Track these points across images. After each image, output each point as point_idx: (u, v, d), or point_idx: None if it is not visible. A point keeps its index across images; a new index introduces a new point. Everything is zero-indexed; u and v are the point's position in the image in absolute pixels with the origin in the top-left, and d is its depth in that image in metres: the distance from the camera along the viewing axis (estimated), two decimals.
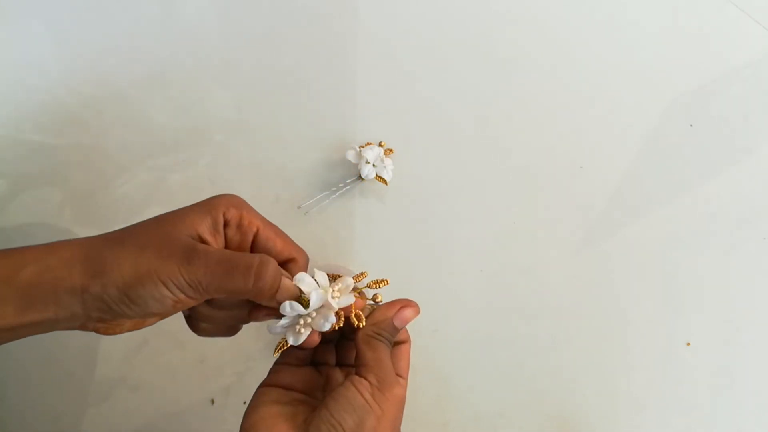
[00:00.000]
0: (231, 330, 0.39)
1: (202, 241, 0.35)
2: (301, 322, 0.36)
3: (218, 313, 0.37)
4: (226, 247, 0.36)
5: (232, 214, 0.36)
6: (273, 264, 0.34)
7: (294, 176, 0.54)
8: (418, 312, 0.40)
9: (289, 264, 0.38)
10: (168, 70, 0.57)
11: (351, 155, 0.52)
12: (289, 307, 0.35)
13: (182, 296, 0.33)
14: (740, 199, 0.55)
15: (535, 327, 0.50)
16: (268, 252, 0.37)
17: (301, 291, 0.36)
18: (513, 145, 0.56)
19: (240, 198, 0.37)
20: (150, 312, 0.33)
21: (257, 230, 0.37)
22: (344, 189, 0.53)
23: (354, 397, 0.34)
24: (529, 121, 0.57)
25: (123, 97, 0.56)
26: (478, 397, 0.48)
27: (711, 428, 0.48)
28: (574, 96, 0.58)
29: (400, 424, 0.36)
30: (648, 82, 0.59)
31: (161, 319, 0.36)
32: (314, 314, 0.37)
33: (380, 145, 0.54)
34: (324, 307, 0.37)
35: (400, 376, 0.38)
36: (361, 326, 0.38)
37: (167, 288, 0.32)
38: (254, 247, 0.37)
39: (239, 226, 0.37)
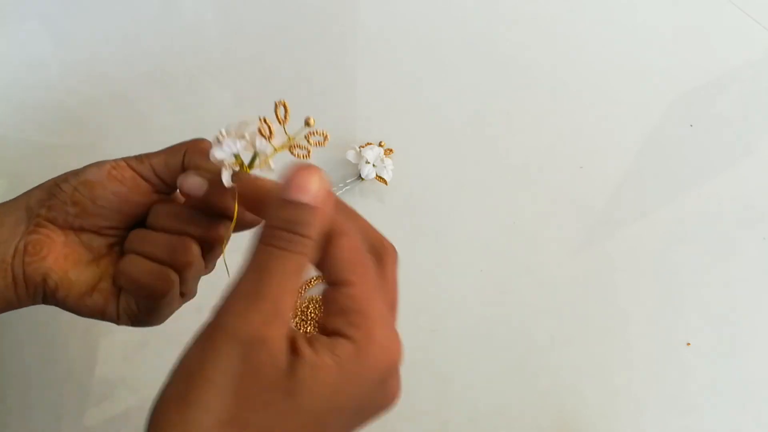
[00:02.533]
0: (159, 297, 0.32)
1: None
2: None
3: (157, 236, 0.32)
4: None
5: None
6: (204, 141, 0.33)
7: None
8: (316, 172, 0.26)
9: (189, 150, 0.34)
10: (168, 70, 0.57)
11: (351, 155, 0.52)
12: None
13: (122, 163, 0.33)
14: (740, 199, 0.55)
15: (535, 327, 0.50)
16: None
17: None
18: (513, 144, 0.56)
19: None
20: (84, 179, 0.32)
21: (150, 161, 0.35)
22: (344, 189, 0.53)
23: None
24: (528, 121, 0.57)
25: (123, 97, 0.56)
26: (478, 396, 0.48)
27: (711, 428, 0.48)
28: (574, 96, 0.58)
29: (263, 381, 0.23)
30: (648, 82, 0.59)
31: (93, 209, 0.33)
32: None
33: (380, 145, 0.54)
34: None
35: (337, 282, 0.25)
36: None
37: (116, 159, 0.33)
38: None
39: (140, 162, 0.35)
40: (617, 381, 0.49)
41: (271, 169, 0.31)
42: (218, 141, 0.31)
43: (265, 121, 0.31)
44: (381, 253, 0.30)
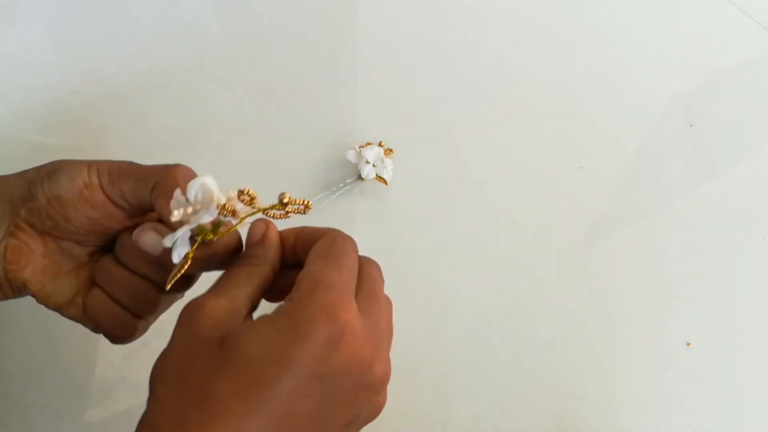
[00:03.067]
0: (130, 320, 0.33)
1: None
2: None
3: (121, 275, 0.32)
4: None
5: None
6: (186, 169, 0.32)
7: (294, 176, 0.54)
8: (262, 225, 0.31)
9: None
10: (168, 70, 0.57)
11: (351, 155, 0.52)
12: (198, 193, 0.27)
13: (95, 180, 0.31)
14: (740, 199, 0.55)
15: (535, 327, 0.50)
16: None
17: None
18: (513, 144, 0.56)
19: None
20: (57, 192, 0.31)
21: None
22: (344, 189, 0.53)
23: None
24: (529, 120, 0.57)
25: (123, 97, 0.56)
26: (478, 397, 0.48)
27: (711, 428, 0.48)
28: (574, 96, 0.58)
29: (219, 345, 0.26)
30: (648, 81, 0.59)
31: (64, 224, 0.32)
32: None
33: (380, 145, 0.54)
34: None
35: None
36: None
37: (87, 167, 0.31)
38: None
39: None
40: (617, 381, 0.49)
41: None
42: (178, 206, 0.28)
43: (225, 206, 0.28)
44: (361, 262, 0.32)
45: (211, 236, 0.30)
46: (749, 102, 0.58)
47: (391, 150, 0.54)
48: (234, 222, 0.30)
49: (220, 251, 0.31)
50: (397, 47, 0.59)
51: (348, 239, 0.31)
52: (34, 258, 0.32)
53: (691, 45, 0.60)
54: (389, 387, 0.46)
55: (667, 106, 0.58)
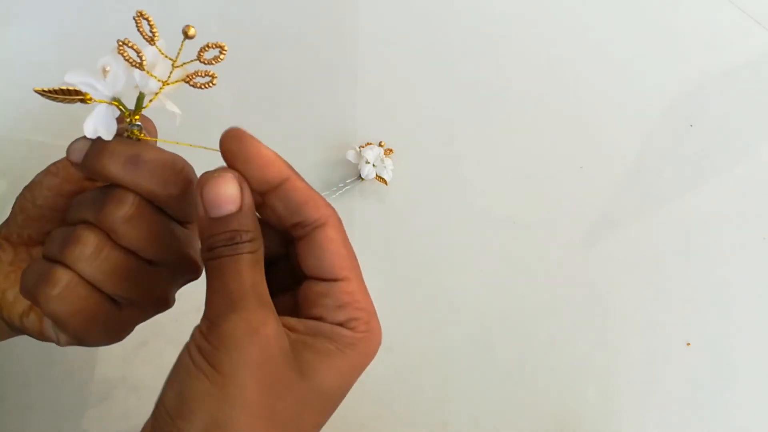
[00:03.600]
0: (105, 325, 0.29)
1: None
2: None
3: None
4: None
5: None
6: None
7: None
8: (230, 177, 0.25)
9: None
10: None
11: (351, 155, 0.52)
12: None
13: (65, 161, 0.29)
14: (740, 199, 0.55)
15: (535, 327, 0.50)
16: None
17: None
18: (513, 144, 0.56)
19: None
20: (31, 183, 0.30)
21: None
22: (344, 189, 0.53)
23: (179, 359, 0.25)
24: (529, 120, 0.57)
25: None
26: (478, 397, 0.48)
27: (711, 428, 0.48)
28: (574, 96, 0.58)
29: (288, 364, 0.24)
30: (648, 81, 0.59)
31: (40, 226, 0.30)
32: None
33: (380, 145, 0.54)
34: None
35: (332, 279, 0.26)
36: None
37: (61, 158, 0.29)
38: None
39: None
40: (617, 381, 0.49)
41: (172, 110, 0.24)
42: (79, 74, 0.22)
43: (125, 43, 0.22)
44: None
45: (133, 118, 0.24)
46: (749, 102, 0.58)
47: (391, 150, 0.54)
48: (153, 87, 0.23)
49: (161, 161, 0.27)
50: (397, 47, 0.59)
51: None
52: (1, 267, 0.31)
53: (691, 45, 0.60)
54: (389, 387, 0.46)
55: (667, 106, 0.58)
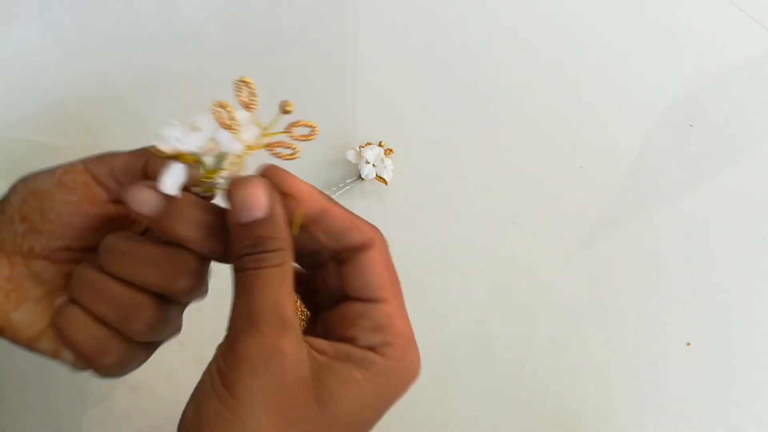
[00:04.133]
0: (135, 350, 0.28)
1: None
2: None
3: (107, 284, 0.26)
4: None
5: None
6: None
7: None
8: (258, 182, 0.24)
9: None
10: (168, 70, 0.57)
11: (351, 155, 0.52)
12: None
13: (80, 166, 0.27)
14: (740, 199, 0.55)
15: (535, 327, 0.50)
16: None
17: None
18: (513, 144, 0.56)
19: None
20: (32, 188, 0.27)
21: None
22: (344, 189, 0.53)
23: (203, 375, 0.24)
24: (528, 120, 0.57)
25: (123, 97, 0.56)
26: (478, 397, 0.48)
27: (711, 428, 0.48)
28: (574, 96, 0.58)
29: (308, 391, 0.23)
30: (648, 81, 0.59)
31: (41, 224, 0.27)
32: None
33: (380, 145, 0.54)
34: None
35: (371, 299, 0.25)
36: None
37: (70, 162, 0.26)
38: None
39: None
40: (617, 381, 0.49)
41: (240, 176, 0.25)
42: (166, 133, 0.23)
43: (222, 106, 0.23)
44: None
45: (209, 175, 0.24)
46: (749, 102, 0.58)
47: (391, 150, 0.54)
48: (236, 150, 0.24)
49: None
50: (397, 47, 0.59)
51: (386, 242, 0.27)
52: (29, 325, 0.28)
53: (691, 45, 0.60)
54: None
55: (667, 106, 0.58)
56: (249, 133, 0.24)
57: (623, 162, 0.56)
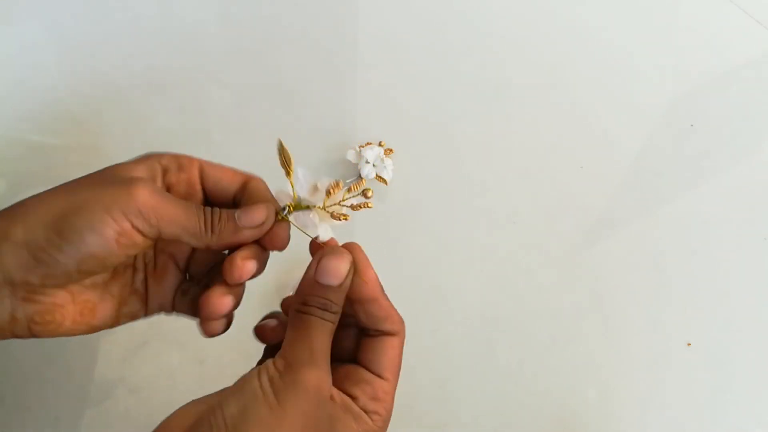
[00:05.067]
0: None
1: None
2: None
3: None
4: (175, 192, 0.33)
5: (168, 159, 0.32)
6: (216, 208, 0.31)
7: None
8: (347, 259, 0.31)
9: (246, 186, 0.34)
10: (168, 70, 0.57)
11: (351, 155, 0.52)
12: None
13: (127, 225, 0.28)
14: (741, 199, 0.55)
15: (535, 327, 0.50)
16: (219, 181, 0.34)
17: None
18: (513, 144, 0.56)
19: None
20: (87, 252, 0.28)
21: (200, 165, 0.33)
22: (344, 189, 0.53)
23: (249, 381, 0.27)
24: (529, 120, 0.57)
25: (123, 97, 0.56)
26: (478, 397, 0.48)
27: (711, 428, 0.48)
28: (575, 96, 0.58)
29: (327, 425, 0.28)
30: (648, 81, 0.59)
31: (103, 270, 0.30)
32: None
33: (380, 145, 0.54)
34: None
35: (378, 374, 0.31)
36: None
37: (109, 213, 0.27)
38: (204, 182, 0.34)
39: (180, 167, 0.33)
40: (617, 381, 0.49)
41: (315, 228, 0.33)
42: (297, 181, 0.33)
43: (337, 184, 0.33)
44: None
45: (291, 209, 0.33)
46: (750, 102, 0.58)
47: (391, 150, 0.54)
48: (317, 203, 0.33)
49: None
50: (397, 47, 0.59)
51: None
52: (66, 311, 0.30)
53: (692, 44, 0.60)
54: None
55: (668, 105, 0.58)
56: (330, 200, 0.33)
57: (623, 162, 0.56)
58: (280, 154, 0.34)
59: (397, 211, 0.53)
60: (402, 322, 0.32)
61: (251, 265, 0.32)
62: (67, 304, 0.30)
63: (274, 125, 0.56)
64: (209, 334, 0.33)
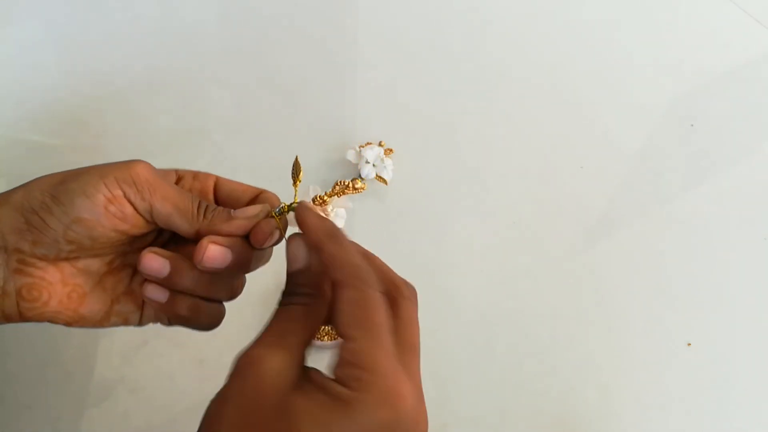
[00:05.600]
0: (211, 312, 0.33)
1: None
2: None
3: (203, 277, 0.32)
4: None
5: (185, 172, 0.34)
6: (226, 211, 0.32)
7: None
8: (298, 243, 0.30)
9: (259, 197, 0.34)
10: (168, 69, 0.57)
11: (351, 155, 0.52)
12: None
13: (119, 192, 0.29)
14: (740, 199, 0.55)
15: (535, 327, 0.50)
16: (232, 192, 0.34)
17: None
18: (513, 144, 0.56)
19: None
20: (75, 216, 0.28)
21: (217, 178, 0.34)
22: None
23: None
24: (529, 120, 0.57)
25: (123, 97, 0.56)
26: (478, 397, 0.48)
27: (711, 428, 0.48)
28: (575, 96, 0.58)
29: (274, 399, 0.26)
30: (648, 81, 0.59)
31: (91, 244, 0.30)
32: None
33: (380, 145, 0.54)
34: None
35: (344, 336, 0.27)
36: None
37: (103, 179, 0.28)
38: (217, 192, 0.34)
39: (195, 177, 0.34)
40: (617, 381, 0.49)
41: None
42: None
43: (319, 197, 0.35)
44: (394, 295, 0.30)
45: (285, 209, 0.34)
46: (749, 102, 0.58)
47: (391, 150, 0.54)
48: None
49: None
50: (397, 47, 0.59)
51: (376, 292, 0.29)
52: (54, 290, 0.30)
53: (692, 44, 0.60)
54: None
55: (668, 105, 0.58)
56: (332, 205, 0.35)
57: (624, 162, 0.56)
58: (294, 167, 0.35)
59: (397, 211, 0.53)
60: (355, 273, 0.28)
61: (216, 251, 0.30)
62: (56, 282, 0.30)
63: (274, 125, 0.56)
64: (147, 295, 0.31)
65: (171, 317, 0.33)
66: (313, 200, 0.35)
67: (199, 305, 0.32)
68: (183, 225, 0.31)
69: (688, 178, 0.56)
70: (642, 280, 0.52)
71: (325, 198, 0.35)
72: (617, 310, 0.51)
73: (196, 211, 0.31)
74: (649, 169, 0.56)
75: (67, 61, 0.57)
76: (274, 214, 0.33)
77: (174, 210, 0.30)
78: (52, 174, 0.30)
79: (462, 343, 0.50)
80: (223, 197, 0.34)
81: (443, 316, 0.50)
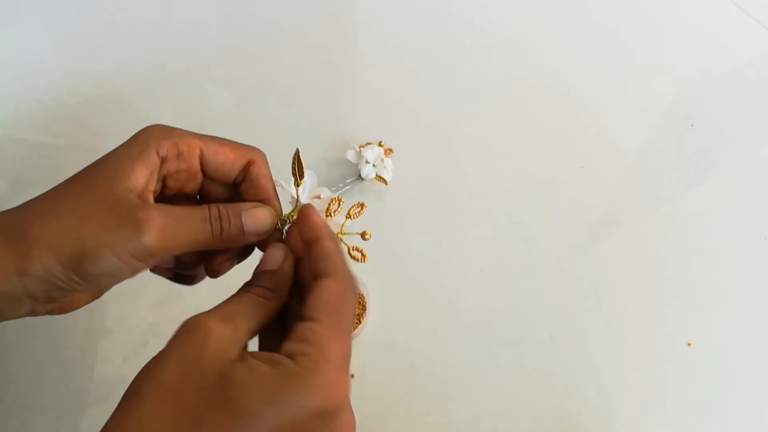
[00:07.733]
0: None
1: (145, 191, 0.32)
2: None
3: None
4: (174, 183, 0.34)
5: (167, 148, 0.33)
6: (224, 208, 0.32)
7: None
8: (281, 248, 0.32)
9: (248, 168, 0.35)
10: (168, 69, 0.57)
11: (351, 155, 0.52)
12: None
13: (140, 264, 0.30)
14: (740, 199, 0.55)
15: (535, 327, 0.50)
16: (221, 167, 0.34)
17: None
18: (513, 144, 0.56)
19: (164, 126, 0.34)
20: (107, 286, 0.31)
21: (200, 151, 0.34)
22: (344, 189, 0.53)
23: None
24: (529, 120, 0.57)
25: (123, 97, 0.56)
26: (478, 397, 0.48)
27: (712, 428, 0.48)
28: (575, 96, 0.58)
29: (216, 366, 0.27)
30: (649, 81, 0.59)
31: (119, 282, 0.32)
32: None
33: (380, 145, 0.54)
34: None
35: (308, 317, 0.28)
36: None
37: (121, 260, 0.29)
38: (204, 168, 0.34)
39: (179, 155, 0.33)
40: (617, 381, 0.49)
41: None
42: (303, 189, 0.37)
43: (339, 203, 0.37)
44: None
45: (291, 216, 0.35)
46: (750, 102, 0.58)
47: (391, 150, 0.54)
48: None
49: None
50: (397, 48, 0.59)
51: (355, 291, 0.30)
52: (82, 298, 0.32)
53: (692, 45, 0.60)
54: (389, 388, 0.46)
55: (668, 106, 0.58)
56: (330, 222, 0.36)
57: (624, 162, 0.56)
58: (294, 162, 0.36)
59: (397, 211, 0.53)
60: (341, 269, 0.30)
61: (229, 265, 0.34)
62: (85, 295, 0.32)
63: (273, 125, 0.56)
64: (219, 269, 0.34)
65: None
66: (329, 205, 0.36)
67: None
68: (198, 249, 0.32)
69: (688, 178, 0.56)
70: (642, 280, 0.52)
71: (339, 210, 0.36)
72: (617, 310, 0.51)
73: (211, 236, 0.32)
74: (649, 169, 0.56)
75: (67, 61, 0.57)
76: (279, 224, 0.34)
77: (191, 247, 0.31)
78: (56, 231, 0.29)
79: (462, 343, 0.50)
80: (211, 172, 0.34)
81: (443, 316, 0.50)
